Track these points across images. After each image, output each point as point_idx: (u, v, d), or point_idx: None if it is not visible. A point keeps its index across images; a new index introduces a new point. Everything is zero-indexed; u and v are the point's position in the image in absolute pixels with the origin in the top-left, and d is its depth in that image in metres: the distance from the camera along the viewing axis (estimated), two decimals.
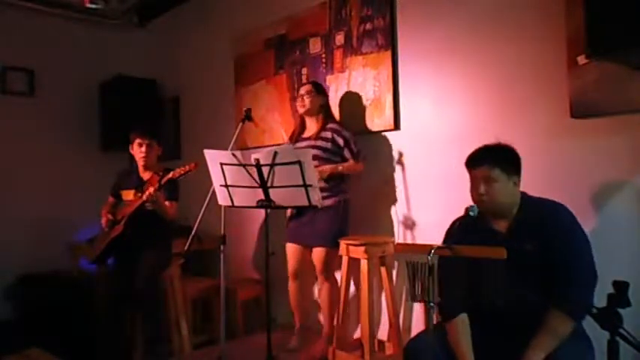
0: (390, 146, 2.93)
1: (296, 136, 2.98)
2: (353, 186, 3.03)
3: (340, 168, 2.75)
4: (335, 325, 2.79)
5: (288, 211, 3.01)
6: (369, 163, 2.97)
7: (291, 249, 2.94)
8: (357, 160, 2.79)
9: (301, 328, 3.04)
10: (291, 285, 3.00)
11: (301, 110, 2.90)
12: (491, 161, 1.73)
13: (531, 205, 1.75)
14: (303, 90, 2.91)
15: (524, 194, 1.77)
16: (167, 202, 2.91)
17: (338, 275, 2.88)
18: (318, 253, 2.81)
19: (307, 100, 2.85)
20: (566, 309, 1.58)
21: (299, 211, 2.87)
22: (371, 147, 3.00)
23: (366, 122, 3.02)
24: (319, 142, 2.79)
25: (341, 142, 2.79)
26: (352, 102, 3.10)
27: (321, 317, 3.03)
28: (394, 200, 2.90)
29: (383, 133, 2.95)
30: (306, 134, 2.93)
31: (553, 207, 1.72)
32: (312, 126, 2.92)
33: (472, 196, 1.78)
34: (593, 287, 1.59)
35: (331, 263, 2.84)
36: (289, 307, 3.06)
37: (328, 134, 2.81)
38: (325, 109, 2.91)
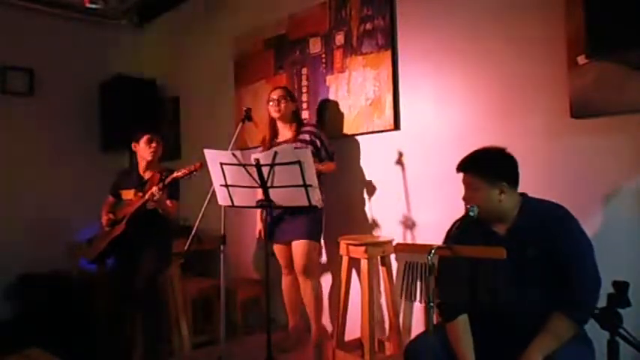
0: (389, 146, 2.93)
1: (269, 141, 3.00)
2: (353, 187, 3.03)
3: (322, 167, 2.78)
4: (335, 325, 2.79)
5: (258, 214, 3.04)
6: (370, 163, 2.98)
7: (278, 248, 2.96)
8: (333, 161, 2.89)
9: (296, 329, 3.03)
10: (284, 280, 3.02)
11: (276, 115, 2.92)
12: (472, 168, 1.74)
13: (532, 207, 1.74)
14: (275, 94, 2.93)
15: (525, 196, 1.76)
16: (168, 202, 2.91)
17: (327, 276, 2.87)
18: (296, 247, 2.81)
19: (282, 105, 2.89)
20: (570, 313, 1.57)
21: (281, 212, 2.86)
22: (371, 147, 3.01)
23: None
24: (298, 145, 2.80)
25: (318, 143, 2.86)
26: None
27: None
28: (395, 200, 2.90)
29: (383, 134, 2.95)
30: (281, 139, 2.96)
31: (555, 210, 1.71)
32: (284, 131, 2.97)
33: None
34: (597, 292, 1.58)
35: (311, 259, 2.82)
36: None
37: (307, 136, 2.87)
38: (296, 114, 2.99)
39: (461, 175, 1.79)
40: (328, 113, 3.23)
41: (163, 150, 3.18)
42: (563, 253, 1.62)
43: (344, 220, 3.09)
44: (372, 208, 3.03)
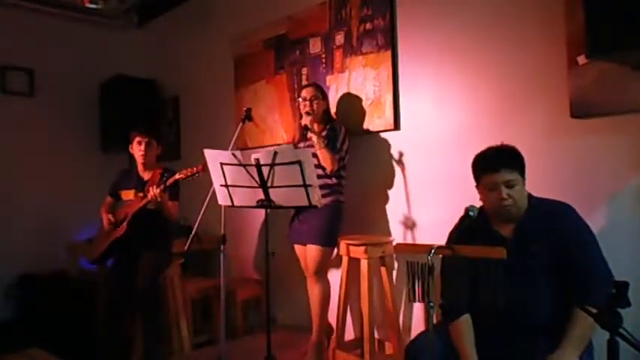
0: (389, 146, 2.93)
1: (299, 142, 2.95)
2: (353, 187, 3.03)
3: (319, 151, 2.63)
4: (335, 325, 2.79)
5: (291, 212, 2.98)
6: (370, 163, 2.97)
7: (298, 250, 2.90)
8: (333, 154, 2.65)
9: (318, 341, 2.78)
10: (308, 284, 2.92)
11: (308, 118, 2.71)
12: (509, 164, 1.70)
13: (537, 206, 1.74)
14: (307, 93, 2.81)
15: (529, 195, 1.77)
16: (170, 202, 2.91)
17: (330, 276, 2.85)
18: (310, 252, 2.75)
19: (316, 106, 2.78)
20: (588, 303, 1.56)
21: (297, 210, 2.85)
22: (371, 147, 3.01)
23: (364, 124, 3.00)
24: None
25: (330, 134, 2.75)
26: (352, 104, 3.07)
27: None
28: (395, 200, 2.90)
29: (383, 134, 2.95)
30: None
31: (559, 207, 1.72)
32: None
33: (490, 201, 1.73)
34: (610, 284, 1.58)
35: (324, 263, 2.76)
36: (289, 307, 3.05)
37: (325, 132, 2.78)
38: (327, 113, 2.89)
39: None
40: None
41: (163, 150, 3.17)
42: (570, 248, 1.63)
43: (345, 220, 3.08)
44: (372, 208, 3.03)
